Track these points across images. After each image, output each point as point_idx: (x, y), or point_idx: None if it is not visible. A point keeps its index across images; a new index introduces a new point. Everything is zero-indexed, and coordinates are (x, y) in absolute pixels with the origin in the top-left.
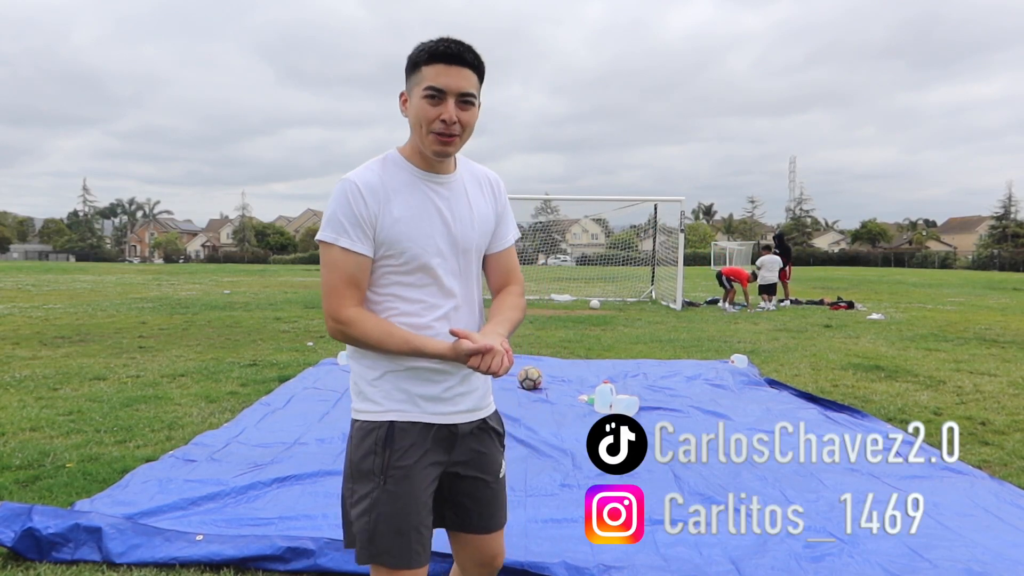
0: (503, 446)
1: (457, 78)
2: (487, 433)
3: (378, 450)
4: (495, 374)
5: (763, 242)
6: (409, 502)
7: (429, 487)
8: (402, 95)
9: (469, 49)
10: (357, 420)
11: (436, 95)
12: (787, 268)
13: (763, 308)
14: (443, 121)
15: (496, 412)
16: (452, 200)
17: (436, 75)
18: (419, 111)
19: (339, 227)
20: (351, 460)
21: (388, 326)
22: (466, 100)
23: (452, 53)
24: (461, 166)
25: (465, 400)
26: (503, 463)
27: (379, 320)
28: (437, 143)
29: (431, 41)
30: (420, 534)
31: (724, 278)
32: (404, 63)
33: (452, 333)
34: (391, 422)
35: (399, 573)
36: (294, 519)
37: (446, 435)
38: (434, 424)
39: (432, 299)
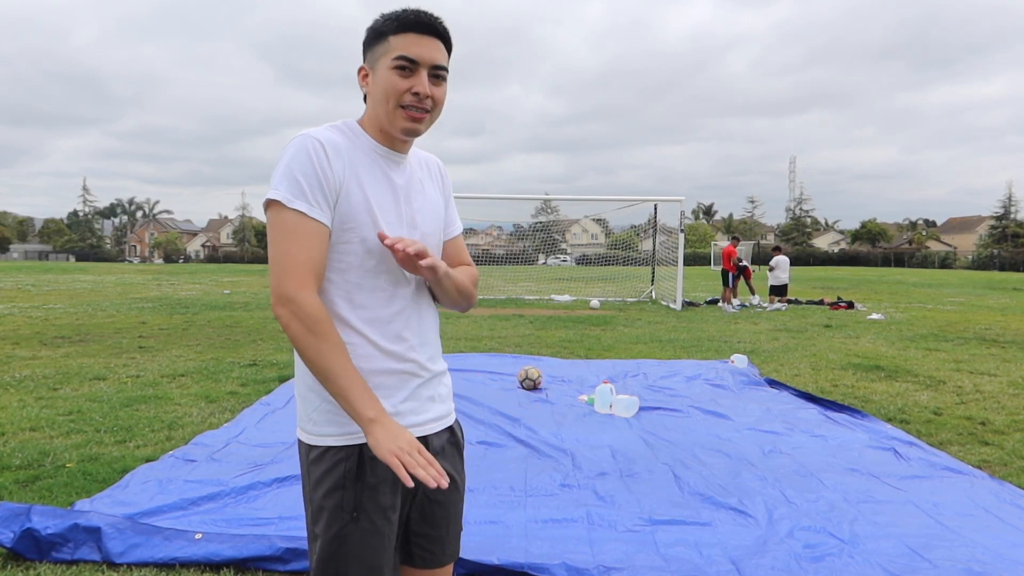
0: (463, 459)
1: (430, 48)
2: (455, 447)
3: (347, 484)
4: (406, 251)
5: (765, 243)
6: (381, 538)
7: (399, 520)
8: (361, 69)
9: (440, 20)
10: (316, 447)
11: (408, 66)
12: (747, 269)
13: (773, 307)
14: (415, 94)
15: (457, 420)
16: (408, 182)
17: (407, 45)
18: (387, 83)
19: (295, 187)
20: (311, 498)
21: (343, 344)
22: (438, 74)
23: (424, 22)
24: (410, 150)
25: (433, 406)
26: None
27: (336, 329)
28: (407, 119)
29: (397, 10)
30: (390, 569)
31: (731, 275)
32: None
33: (379, 237)
34: (360, 448)
35: None
36: (294, 519)
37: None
38: None
39: (391, 288)
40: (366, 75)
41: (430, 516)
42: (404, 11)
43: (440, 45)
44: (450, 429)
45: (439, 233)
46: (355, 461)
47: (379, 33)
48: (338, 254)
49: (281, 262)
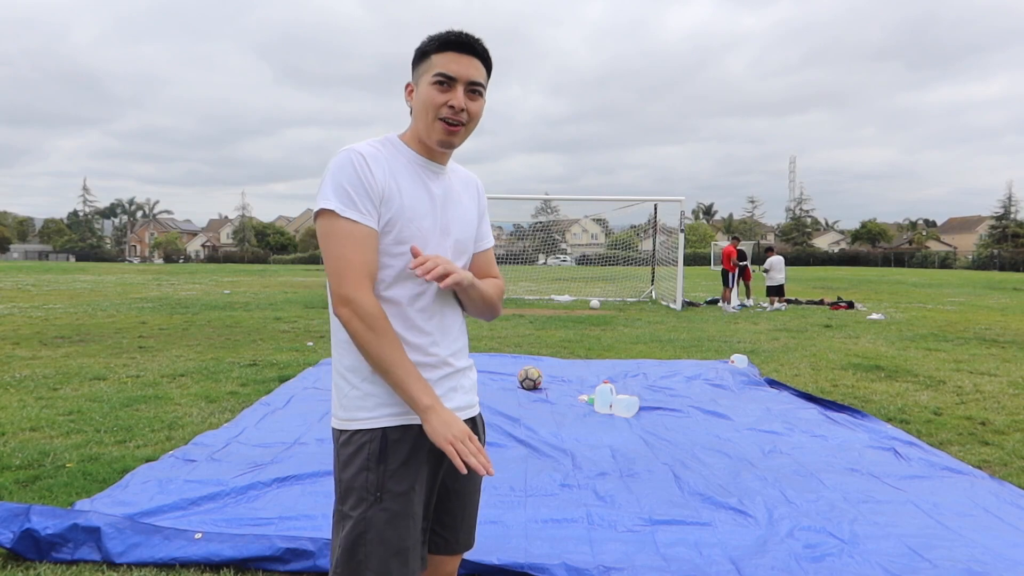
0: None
1: (467, 66)
2: (477, 437)
3: (371, 465)
4: (431, 274)
5: (764, 243)
6: (407, 520)
7: (424, 502)
8: (408, 85)
9: (479, 41)
10: (344, 431)
11: (445, 81)
12: (747, 270)
13: (773, 308)
14: (451, 107)
15: (480, 413)
16: (446, 192)
17: (447, 62)
18: (427, 97)
19: (346, 197)
20: (340, 479)
21: (399, 340)
22: (475, 89)
23: (463, 42)
24: (449, 163)
25: (456, 396)
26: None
27: (392, 328)
28: (444, 131)
29: (442, 32)
30: (417, 552)
31: (731, 275)
32: (403, 62)
33: (412, 252)
34: (383, 432)
35: None
36: (294, 519)
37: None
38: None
39: (419, 287)
40: (411, 91)
41: (447, 505)
42: (447, 32)
43: (478, 64)
44: (472, 420)
45: (471, 242)
46: (378, 444)
47: (423, 52)
48: (388, 259)
49: (338, 266)
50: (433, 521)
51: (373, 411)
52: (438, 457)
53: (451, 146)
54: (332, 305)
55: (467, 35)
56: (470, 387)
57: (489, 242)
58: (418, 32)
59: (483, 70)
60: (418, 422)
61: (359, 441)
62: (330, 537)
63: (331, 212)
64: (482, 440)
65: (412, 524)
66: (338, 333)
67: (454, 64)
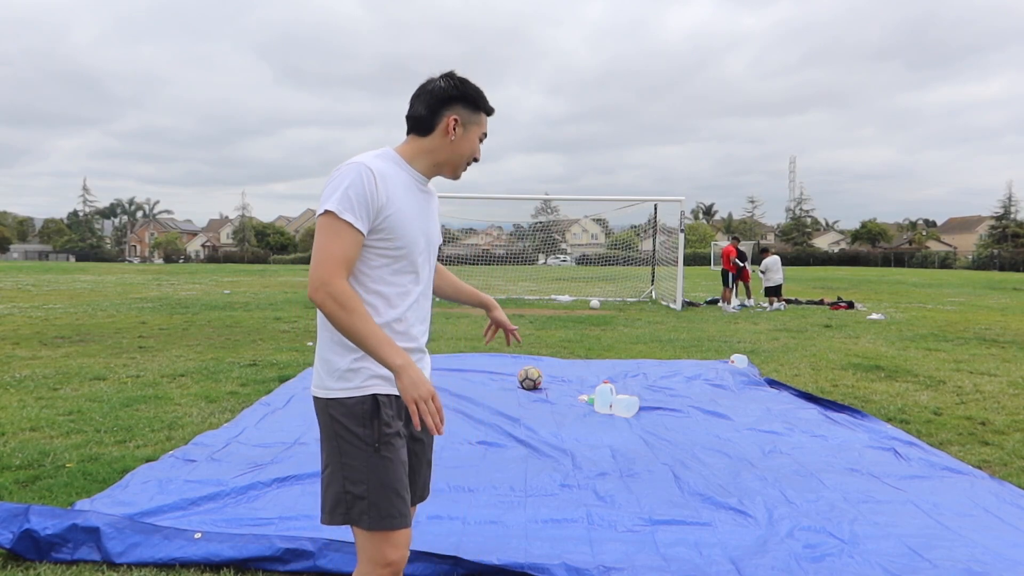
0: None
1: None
2: None
3: (367, 422)
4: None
5: (762, 243)
6: (399, 466)
7: (405, 452)
8: (454, 119)
9: None
10: (335, 399)
11: (482, 139)
12: (745, 270)
13: (774, 308)
14: (475, 159)
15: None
16: (429, 205)
17: (486, 125)
18: (472, 148)
19: (348, 203)
20: (338, 435)
21: (368, 313)
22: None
23: (492, 111)
24: None
25: (424, 368)
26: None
27: (362, 303)
28: (463, 170)
29: (483, 93)
30: (407, 495)
31: (730, 275)
32: (403, 62)
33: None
34: (374, 395)
35: (399, 533)
36: (294, 519)
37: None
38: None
39: (409, 285)
40: (455, 126)
41: (409, 462)
42: (487, 99)
43: None
44: None
45: (438, 247)
46: (371, 405)
47: (476, 105)
48: (376, 256)
49: (321, 256)
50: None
51: (366, 381)
52: (408, 418)
53: (457, 178)
54: (309, 289)
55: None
56: (428, 362)
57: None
58: (418, 32)
59: None
60: (395, 392)
61: (351, 403)
62: (329, 537)
63: (331, 212)
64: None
65: (403, 469)
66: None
67: (487, 127)
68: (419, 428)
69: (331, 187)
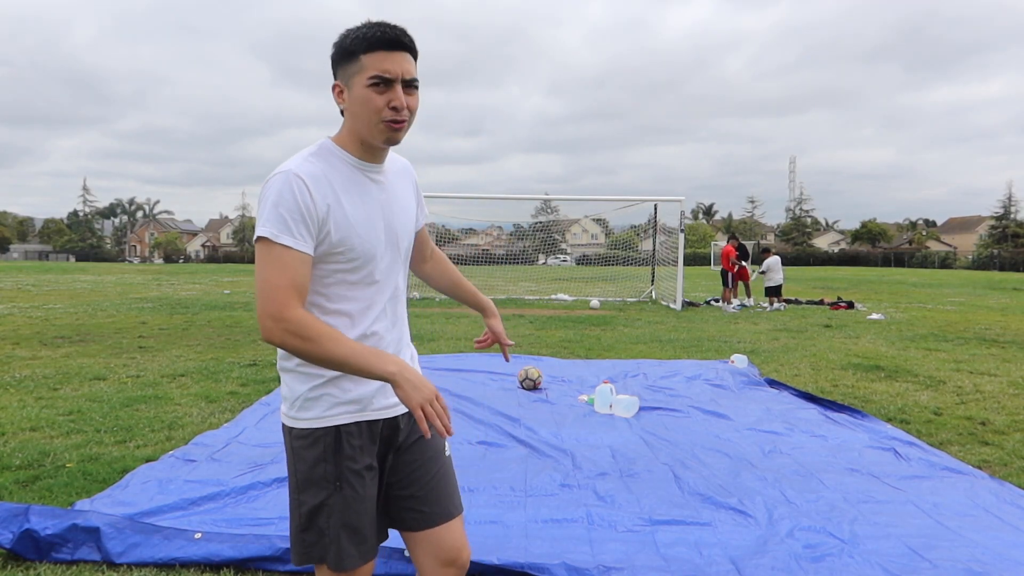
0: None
1: (401, 63)
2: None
3: (328, 457)
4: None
5: (762, 244)
6: (364, 503)
7: (377, 483)
8: (336, 86)
9: (405, 32)
10: (295, 428)
11: (382, 83)
12: (744, 269)
13: (774, 308)
14: (393, 108)
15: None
16: (388, 193)
17: (379, 62)
18: (366, 101)
19: (280, 223)
20: (296, 470)
21: (336, 331)
22: (411, 85)
23: (392, 39)
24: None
25: (415, 366)
26: (446, 442)
27: (325, 324)
28: (388, 130)
29: (363, 27)
30: (373, 530)
31: (730, 275)
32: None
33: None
34: (337, 427)
35: (359, 571)
36: None
37: (391, 429)
38: (380, 420)
39: (373, 296)
40: (341, 91)
41: (408, 478)
42: (370, 28)
43: (409, 57)
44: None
45: (412, 235)
46: (332, 437)
47: (349, 52)
48: (328, 271)
49: (265, 289)
50: (401, 498)
51: (328, 410)
52: (387, 439)
53: (396, 143)
54: (262, 332)
55: (393, 28)
56: (413, 352)
57: (421, 222)
58: (418, 32)
59: (414, 63)
60: (369, 417)
61: (314, 436)
62: None
63: (266, 239)
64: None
65: (369, 505)
66: None
67: (387, 63)
68: (428, 435)
69: (261, 206)
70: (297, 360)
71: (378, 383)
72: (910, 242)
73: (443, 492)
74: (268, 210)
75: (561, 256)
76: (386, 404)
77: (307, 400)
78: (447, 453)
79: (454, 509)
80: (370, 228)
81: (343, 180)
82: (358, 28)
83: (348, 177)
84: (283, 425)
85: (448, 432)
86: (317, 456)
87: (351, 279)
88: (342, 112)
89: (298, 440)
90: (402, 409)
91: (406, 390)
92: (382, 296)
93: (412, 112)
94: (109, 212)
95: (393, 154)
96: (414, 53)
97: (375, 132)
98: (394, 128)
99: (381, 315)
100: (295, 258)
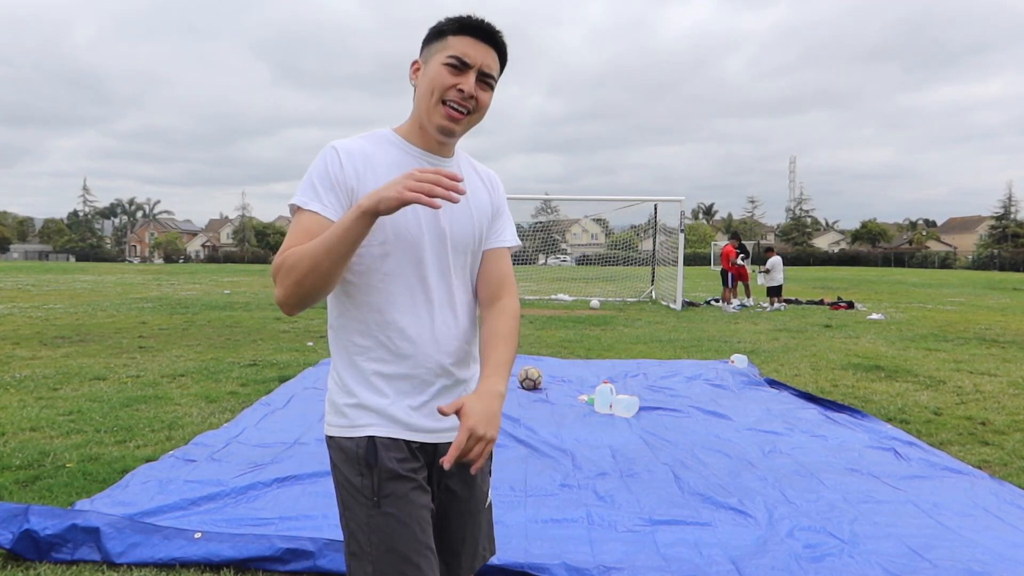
0: (490, 470)
1: (484, 54)
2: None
3: (364, 471)
4: (467, 458)
5: (763, 243)
6: (409, 525)
7: (426, 503)
8: (414, 63)
9: (500, 33)
10: (332, 437)
11: (459, 65)
12: (743, 269)
13: (774, 308)
14: (460, 90)
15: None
16: None
17: (463, 46)
18: (436, 77)
19: (311, 190)
20: (338, 482)
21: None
22: (487, 79)
23: (484, 29)
24: (459, 156)
25: (452, 416)
26: (489, 490)
27: (307, 240)
28: (446, 116)
29: (462, 14)
30: (429, 553)
31: (730, 275)
32: (403, 61)
33: (439, 411)
34: (369, 437)
35: None
36: (294, 519)
37: (431, 455)
38: (417, 443)
39: (411, 296)
40: (418, 69)
41: (443, 521)
42: (468, 16)
43: (495, 54)
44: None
45: (473, 242)
46: (366, 448)
47: (440, 31)
48: (359, 259)
49: (281, 252)
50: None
51: (359, 419)
52: (430, 466)
53: (451, 134)
54: (275, 297)
55: (489, 23)
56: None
57: (505, 240)
58: (418, 32)
59: (498, 62)
60: (407, 437)
61: (348, 446)
62: (329, 538)
63: (296, 207)
64: (490, 458)
65: (414, 524)
66: (335, 332)
67: (471, 49)
68: (439, 206)
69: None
70: (343, 365)
71: (411, 402)
72: (910, 242)
73: (478, 541)
74: (303, 180)
75: (561, 256)
76: (426, 427)
77: (345, 406)
78: (488, 502)
79: (484, 557)
80: (409, 213)
81: (389, 161)
82: (457, 14)
83: (395, 160)
84: (325, 436)
85: (459, 188)
86: (353, 469)
87: (383, 268)
88: (415, 93)
89: (337, 451)
90: (445, 436)
91: (381, 195)
92: (420, 298)
93: (479, 106)
94: (109, 212)
95: (479, 163)
96: (502, 55)
97: (433, 113)
98: (453, 114)
99: (419, 322)
100: (319, 224)
